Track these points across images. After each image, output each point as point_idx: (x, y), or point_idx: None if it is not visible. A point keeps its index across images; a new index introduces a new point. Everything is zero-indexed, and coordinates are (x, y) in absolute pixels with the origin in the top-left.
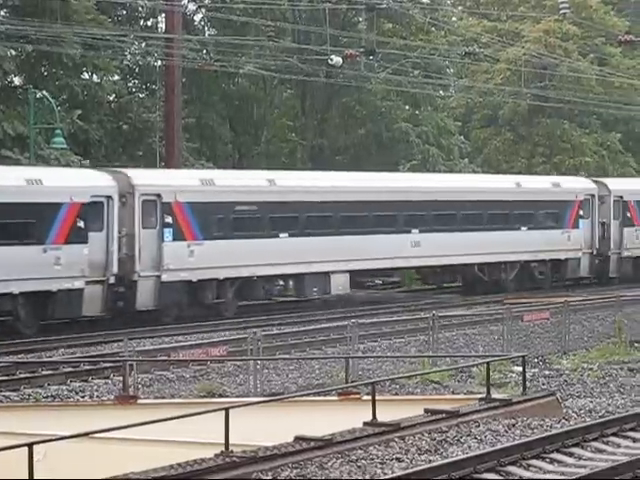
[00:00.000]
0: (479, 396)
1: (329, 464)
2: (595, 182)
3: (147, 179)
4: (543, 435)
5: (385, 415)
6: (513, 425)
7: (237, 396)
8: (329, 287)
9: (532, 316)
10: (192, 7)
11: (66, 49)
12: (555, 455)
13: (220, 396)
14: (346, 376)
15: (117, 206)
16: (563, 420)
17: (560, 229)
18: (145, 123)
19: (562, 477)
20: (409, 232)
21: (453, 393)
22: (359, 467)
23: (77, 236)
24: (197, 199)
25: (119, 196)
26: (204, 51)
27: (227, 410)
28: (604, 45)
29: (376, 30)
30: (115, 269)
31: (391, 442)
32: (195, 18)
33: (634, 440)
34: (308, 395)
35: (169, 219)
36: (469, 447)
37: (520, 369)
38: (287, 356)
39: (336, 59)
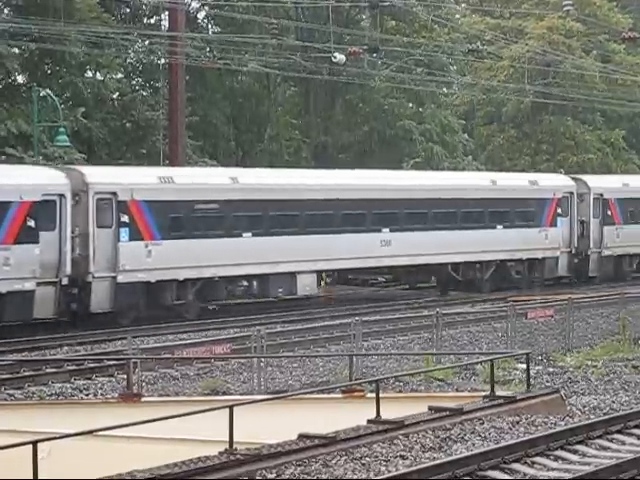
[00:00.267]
0: (483, 393)
1: (333, 462)
2: (574, 179)
3: (102, 177)
4: (547, 432)
5: (389, 413)
6: (517, 422)
7: (241, 394)
8: (295, 288)
9: (536, 313)
10: (195, 5)
11: (70, 47)
12: (559, 452)
13: (224, 394)
14: (350, 374)
15: (70, 205)
16: (567, 417)
17: (537, 227)
18: (148, 121)
19: (566, 474)
20: (379, 231)
21: (457, 390)
22: (363, 465)
23: (27, 236)
24: (155, 197)
25: (72, 194)
26: (207, 49)
27: (231, 408)
28: (608, 42)
29: (379, 27)
30: (68, 270)
31: (395, 440)
32: (198, 16)
33: (638, 437)
34: (312, 393)
35: (125, 218)
36: (473, 444)
37: (524, 366)
38: (291, 354)
39: (339, 57)
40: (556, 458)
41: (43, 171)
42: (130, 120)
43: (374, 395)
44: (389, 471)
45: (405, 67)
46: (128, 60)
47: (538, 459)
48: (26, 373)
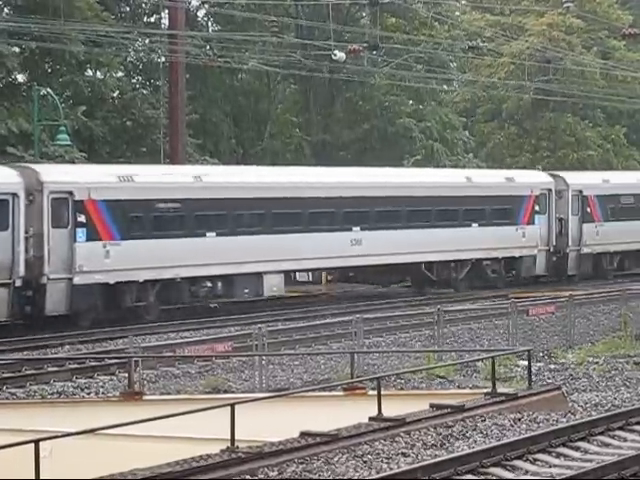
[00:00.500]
0: (485, 390)
1: (335, 459)
2: (552, 176)
3: (57, 175)
4: (549, 429)
5: (390, 410)
6: (519, 419)
7: (243, 392)
8: (262, 288)
9: (537, 310)
10: (195, 3)
11: (70, 46)
12: (561, 449)
13: (225, 392)
14: (351, 371)
15: (24, 204)
16: (569, 414)
17: (514, 225)
18: (149, 119)
19: (568, 471)
20: (349, 230)
21: (458, 388)
22: (365, 462)
23: None
24: (114, 196)
25: (26, 193)
26: (207, 47)
27: (233, 406)
28: (608, 38)
29: (379, 25)
30: (22, 271)
31: (397, 437)
32: (198, 14)
33: None
34: (313, 390)
35: (82, 218)
36: (475, 442)
37: (526, 363)
38: (292, 351)
39: (339, 54)
40: (558, 455)
41: None
42: (130, 118)
43: (375, 393)
44: (391, 468)
45: (405, 64)
46: (128, 59)
47: (540, 456)
48: (28, 372)
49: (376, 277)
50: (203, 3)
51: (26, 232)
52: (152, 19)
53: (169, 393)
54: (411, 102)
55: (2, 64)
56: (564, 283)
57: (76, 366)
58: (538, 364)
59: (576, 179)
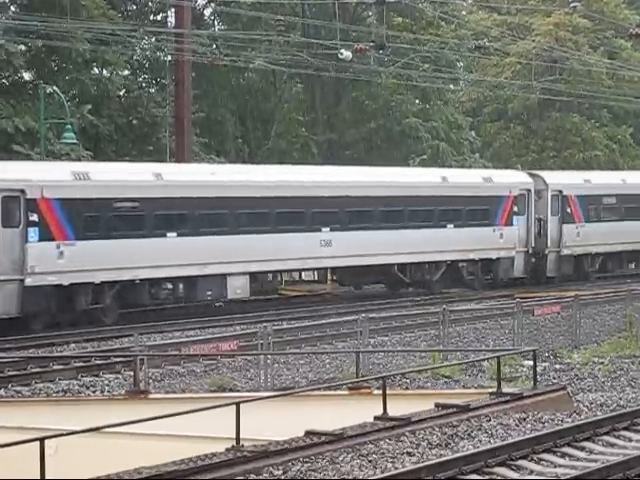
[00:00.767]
0: (490, 390)
1: (340, 459)
2: (531, 176)
3: (7, 173)
4: (554, 429)
5: (396, 409)
6: (524, 419)
7: (248, 391)
8: (225, 290)
9: (543, 310)
10: (201, 2)
11: (76, 44)
12: (566, 449)
13: (231, 391)
14: (357, 370)
15: None
16: (574, 414)
17: (491, 226)
18: (155, 118)
19: (573, 471)
20: (318, 230)
21: (464, 387)
22: (370, 462)
23: None
24: (68, 195)
25: None
26: (214, 46)
27: (238, 405)
28: (615, 38)
29: (386, 24)
30: None
31: (402, 436)
32: (205, 13)
33: None
34: (319, 389)
35: (34, 217)
36: (480, 441)
37: (531, 363)
38: (297, 351)
39: (346, 53)
40: (563, 455)
41: None
42: (137, 117)
43: (381, 392)
44: (396, 468)
45: (411, 64)
46: (134, 57)
47: (545, 456)
48: (33, 370)
49: (349, 278)
50: (209, 2)
51: None
52: (158, 17)
53: (174, 392)
54: (417, 101)
55: (9, 62)
56: (544, 285)
57: (82, 364)
58: (543, 364)
59: (556, 179)
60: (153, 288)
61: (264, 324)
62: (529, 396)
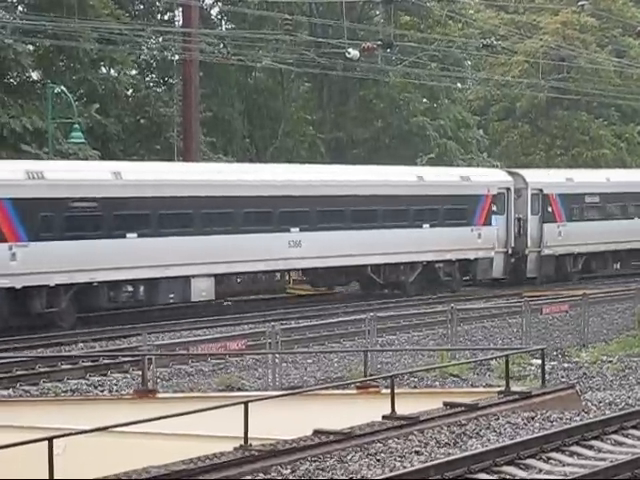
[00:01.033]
0: (498, 389)
1: (348, 457)
2: (511, 174)
3: None
4: (562, 428)
5: (404, 408)
6: (532, 418)
7: (256, 390)
8: (189, 293)
9: (551, 308)
10: (209, 1)
11: (83, 44)
12: (574, 448)
13: (239, 390)
14: (365, 369)
15: None
16: (582, 413)
17: (469, 226)
18: (163, 117)
19: (582, 470)
20: (287, 231)
21: (472, 386)
22: (378, 460)
23: None
24: (21, 194)
25: None
26: (221, 45)
27: (246, 404)
28: (622, 36)
29: (393, 23)
30: None
31: (410, 435)
32: (212, 12)
33: None
34: (327, 388)
35: None
36: (488, 440)
37: (539, 362)
38: (306, 350)
39: (353, 52)
40: (571, 454)
41: None
42: (144, 116)
43: (389, 391)
44: (404, 467)
45: (419, 62)
46: (142, 56)
47: (553, 455)
48: (41, 369)
49: (320, 280)
50: (216, 1)
51: None
52: (166, 17)
53: (182, 391)
54: (425, 100)
55: (17, 62)
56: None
57: (90, 364)
58: (552, 363)
59: (536, 177)
60: (112, 291)
61: (272, 323)
62: (537, 395)
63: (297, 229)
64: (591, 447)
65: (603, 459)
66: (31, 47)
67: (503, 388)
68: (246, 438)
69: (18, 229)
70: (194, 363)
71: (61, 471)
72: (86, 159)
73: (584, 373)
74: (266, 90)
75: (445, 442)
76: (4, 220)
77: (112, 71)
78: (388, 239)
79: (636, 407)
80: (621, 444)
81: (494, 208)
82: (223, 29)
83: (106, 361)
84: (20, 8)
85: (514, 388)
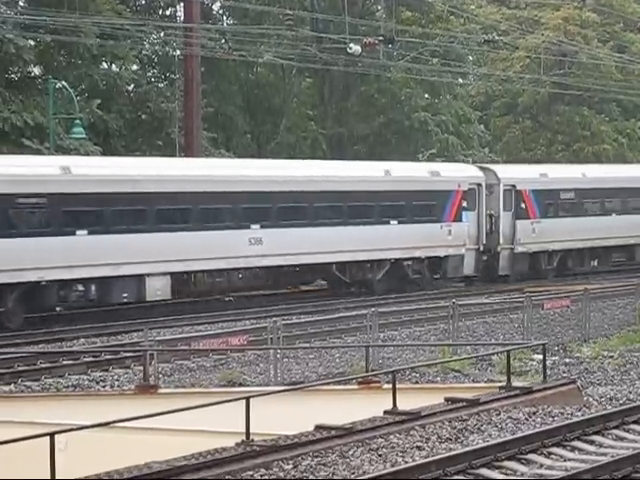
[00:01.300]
0: (499, 384)
1: (350, 453)
2: (482, 169)
3: None
4: (564, 423)
5: (405, 404)
6: (534, 413)
7: (257, 385)
8: (144, 292)
9: (552, 304)
10: None
11: (84, 39)
12: (576, 443)
13: (240, 385)
14: (366, 365)
15: None
16: (584, 408)
17: (439, 222)
18: (164, 113)
19: (583, 465)
20: (247, 228)
21: (473, 381)
22: (380, 456)
23: None
24: None
25: None
26: (222, 40)
27: (248, 399)
28: (624, 32)
29: (395, 18)
30: None
31: (412, 431)
32: (213, 7)
33: None
34: (328, 384)
35: None
36: (490, 435)
37: (540, 357)
38: (307, 345)
39: (355, 47)
40: (573, 449)
41: None
42: (146, 112)
43: (390, 386)
44: (406, 462)
45: (421, 58)
46: (143, 52)
47: (555, 450)
48: (43, 365)
49: (284, 279)
50: None
51: None
52: (167, 12)
53: (184, 386)
54: (426, 96)
55: (18, 57)
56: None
57: (91, 359)
58: (553, 358)
59: (508, 173)
60: (62, 290)
61: (274, 318)
62: (539, 390)
63: (258, 226)
64: (592, 442)
65: (604, 454)
66: (32, 42)
67: (504, 383)
68: (248, 433)
69: None
70: (196, 359)
71: (63, 466)
72: (87, 155)
73: (585, 368)
74: (267, 85)
75: (447, 437)
76: None
77: (113, 66)
78: (354, 236)
79: (637, 402)
80: (622, 439)
81: (465, 204)
82: (225, 24)
83: (108, 356)
84: (21, 3)
85: (515, 383)
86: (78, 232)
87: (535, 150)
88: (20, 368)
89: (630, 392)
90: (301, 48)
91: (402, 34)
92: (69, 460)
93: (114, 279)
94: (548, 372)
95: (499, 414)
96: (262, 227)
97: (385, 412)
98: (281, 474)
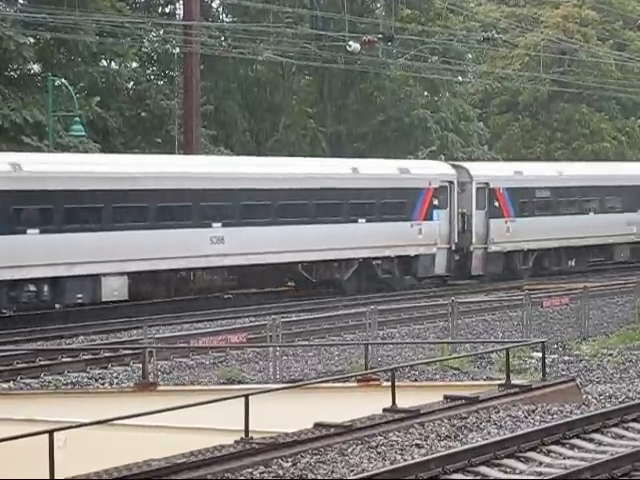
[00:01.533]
0: (499, 382)
1: (349, 450)
2: (454, 167)
3: None
4: (563, 421)
5: (404, 401)
6: (533, 411)
7: (257, 383)
8: (99, 292)
9: (552, 302)
10: None
11: (84, 37)
12: (575, 441)
13: (240, 383)
14: (365, 362)
15: None
16: (583, 406)
17: (409, 221)
18: (163, 110)
19: (582, 463)
20: (209, 226)
21: (473, 379)
22: (379, 453)
23: None
24: None
25: None
26: (222, 38)
27: (247, 397)
28: (623, 30)
29: (394, 16)
30: None
31: (411, 428)
32: (213, 5)
33: None
34: (327, 382)
35: None
36: (489, 433)
37: (540, 355)
38: (306, 343)
39: (354, 45)
40: (572, 447)
41: None
42: (145, 109)
43: (390, 384)
44: (405, 460)
45: (420, 56)
46: (143, 49)
47: (554, 447)
48: (42, 362)
49: (248, 279)
50: None
51: None
52: (167, 10)
53: (183, 384)
54: (426, 93)
55: (18, 53)
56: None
57: (90, 357)
58: (552, 356)
59: (481, 171)
60: (13, 291)
61: (273, 316)
62: (538, 388)
63: (219, 224)
64: (592, 440)
65: (603, 452)
66: (32, 39)
67: (504, 381)
68: (247, 431)
69: None
70: (195, 356)
71: (62, 464)
72: (86, 152)
73: (584, 366)
74: (267, 83)
75: (446, 435)
76: None
77: (113, 64)
78: (321, 235)
79: (636, 400)
80: (621, 437)
81: (436, 202)
82: (224, 22)
83: (107, 354)
84: (21, 0)
85: (515, 381)
86: (29, 231)
87: (534, 148)
88: (19, 365)
89: (629, 390)
90: (300, 46)
91: (401, 32)
92: (68, 457)
93: (67, 279)
94: (547, 370)
95: (498, 412)
96: (224, 226)
97: (384, 410)
98: (280, 472)
